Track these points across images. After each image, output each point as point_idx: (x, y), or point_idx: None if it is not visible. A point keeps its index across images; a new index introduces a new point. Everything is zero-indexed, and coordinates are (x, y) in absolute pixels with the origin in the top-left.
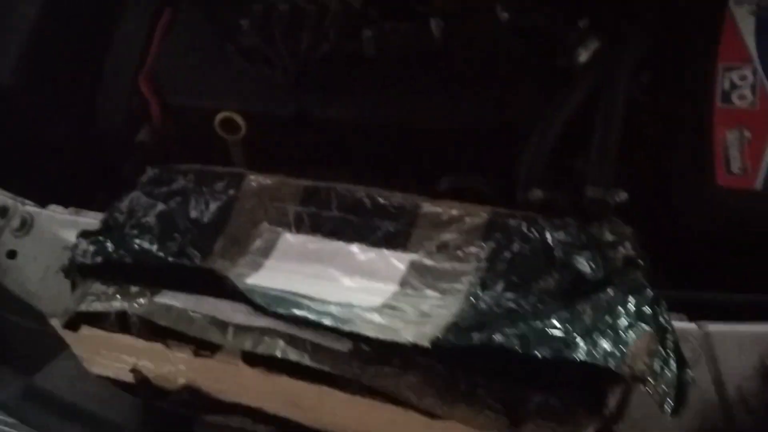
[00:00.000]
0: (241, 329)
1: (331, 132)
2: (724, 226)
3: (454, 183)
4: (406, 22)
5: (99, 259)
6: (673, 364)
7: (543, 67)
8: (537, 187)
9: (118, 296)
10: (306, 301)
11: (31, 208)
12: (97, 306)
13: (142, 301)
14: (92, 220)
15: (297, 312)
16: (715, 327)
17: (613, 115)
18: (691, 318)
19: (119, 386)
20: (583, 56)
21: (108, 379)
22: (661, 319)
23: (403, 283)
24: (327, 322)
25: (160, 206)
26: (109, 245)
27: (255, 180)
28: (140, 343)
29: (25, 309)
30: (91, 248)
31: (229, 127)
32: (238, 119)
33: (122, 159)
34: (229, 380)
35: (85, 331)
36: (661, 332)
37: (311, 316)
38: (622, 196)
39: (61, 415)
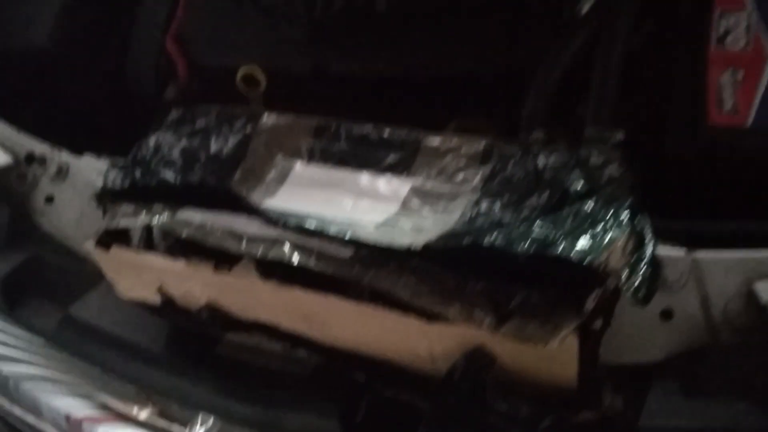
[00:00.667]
0: (255, 239)
1: (346, 84)
2: (716, 162)
3: (460, 125)
4: None
5: (127, 182)
6: (647, 261)
7: (548, 17)
8: (539, 128)
9: (143, 213)
10: (313, 220)
11: (67, 156)
12: (124, 222)
13: (164, 216)
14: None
15: (304, 224)
16: (703, 253)
17: (611, 61)
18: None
19: (148, 309)
20: (586, 7)
21: (137, 303)
22: (638, 224)
23: (404, 205)
24: (332, 230)
25: (184, 142)
26: (137, 173)
27: (271, 118)
28: (164, 262)
29: (62, 249)
30: (120, 175)
31: (250, 83)
32: (259, 74)
33: (150, 116)
34: (246, 296)
35: (115, 251)
36: (638, 235)
37: (317, 227)
38: (619, 135)
39: (95, 341)
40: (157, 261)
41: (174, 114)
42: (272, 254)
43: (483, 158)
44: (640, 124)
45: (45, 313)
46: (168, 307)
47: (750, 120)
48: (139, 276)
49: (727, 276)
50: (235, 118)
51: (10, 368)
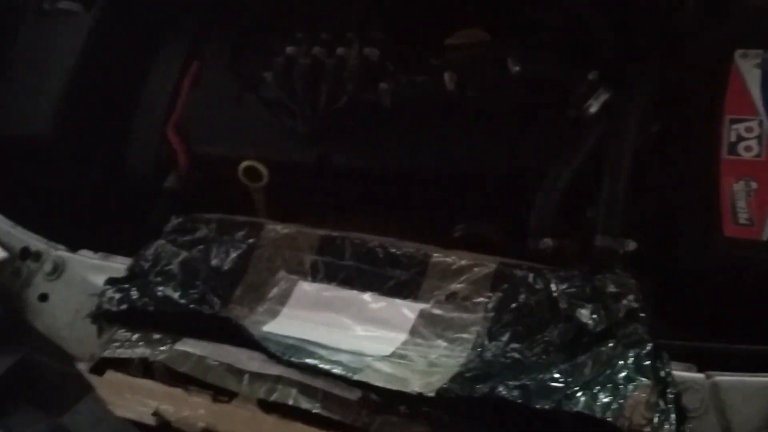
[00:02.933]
0: (256, 377)
1: (349, 179)
2: (731, 277)
3: (466, 230)
4: (421, 74)
5: (124, 306)
6: (672, 417)
7: (554, 117)
8: (547, 236)
9: (141, 343)
10: (319, 350)
11: (63, 252)
12: (121, 352)
13: (163, 348)
14: (120, 265)
15: (309, 361)
16: (723, 378)
17: (621, 164)
18: (700, 368)
19: (141, 429)
20: (594, 107)
21: (131, 421)
22: (661, 372)
23: (413, 332)
24: (337, 371)
25: (184, 254)
26: (134, 293)
27: (273, 229)
28: (161, 388)
29: (55, 351)
30: (117, 295)
31: (252, 175)
32: (261, 168)
33: (150, 205)
34: (246, 426)
35: (110, 375)
36: (661, 385)
37: (322, 365)
38: (631, 245)
39: None
40: (152, 387)
41: (174, 222)
42: (276, 396)
43: (494, 282)
44: (652, 234)
45: (35, 420)
46: (163, 430)
47: (766, 233)
48: (134, 398)
49: (749, 403)
50: (236, 229)
51: None
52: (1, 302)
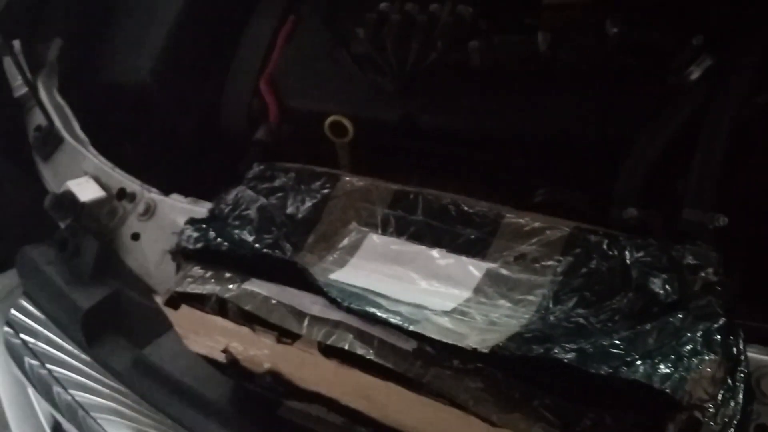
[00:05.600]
0: (316, 320)
1: (434, 139)
2: None
3: (548, 196)
4: (514, 34)
5: (200, 244)
6: (740, 396)
7: (653, 84)
8: (632, 205)
9: (212, 280)
10: (380, 300)
11: (155, 195)
12: (193, 288)
13: (232, 286)
14: (206, 209)
15: (368, 309)
16: None
17: (717, 134)
18: None
19: (212, 364)
20: (696, 74)
21: (203, 357)
22: (733, 349)
23: (477, 290)
24: (394, 320)
25: (262, 200)
26: (211, 233)
27: (349, 181)
28: (231, 326)
29: (143, 287)
30: (195, 234)
31: (338, 131)
32: (347, 123)
33: (241, 155)
34: (307, 369)
35: (184, 310)
36: (731, 362)
37: (380, 314)
38: (722, 220)
39: (163, 387)
40: (224, 324)
41: (255, 169)
42: (333, 340)
43: (566, 246)
44: (748, 211)
45: (120, 351)
46: (233, 368)
47: None
48: (207, 334)
49: None
50: (313, 179)
51: (81, 397)
52: (98, 238)
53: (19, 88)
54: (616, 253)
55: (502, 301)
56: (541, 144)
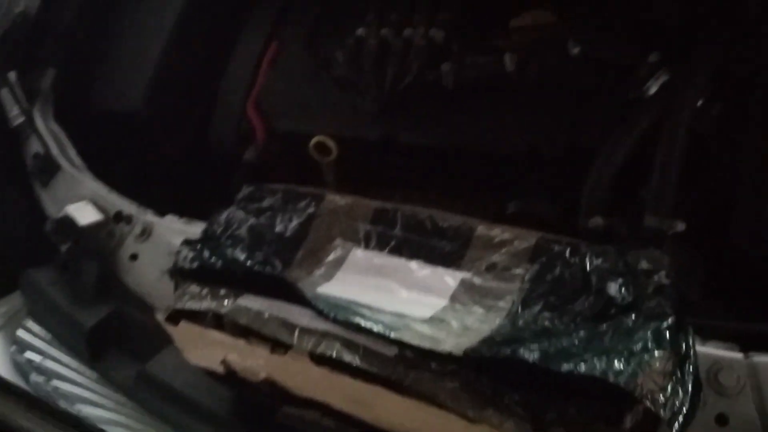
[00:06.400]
0: (305, 331)
1: (413, 155)
2: None
3: (520, 207)
4: (483, 55)
5: (195, 264)
6: (688, 386)
7: (613, 98)
8: (598, 215)
9: (208, 297)
10: (364, 310)
11: (151, 217)
12: (191, 305)
13: (226, 302)
14: (200, 229)
15: (352, 319)
16: (761, 358)
17: (673, 144)
18: (744, 349)
19: (211, 376)
20: (654, 89)
21: (203, 369)
22: (682, 344)
23: (453, 299)
24: (377, 328)
25: (252, 220)
26: (206, 253)
27: (332, 200)
28: (228, 339)
29: (142, 305)
30: (191, 254)
31: (322, 150)
32: (330, 143)
33: (230, 175)
34: (300, 376)
35: (184, 325)
36: (679, 357)
37: (363, 323)
38: (680, 226)
39: (166, 398)
40: (221, 338)
41: (245, 191)
42: (321, 349)
43: (533, 255)
44: (703, 215)
45: (123, 365)
46: (231, 378)
47: None
48: (206, 348)
49: None
50: (299, 199)
51: (88, 411)
52: (98, 260)
53: (16, 118)
54: (577, 260)
55: (475, 308)
56: (512, 157)
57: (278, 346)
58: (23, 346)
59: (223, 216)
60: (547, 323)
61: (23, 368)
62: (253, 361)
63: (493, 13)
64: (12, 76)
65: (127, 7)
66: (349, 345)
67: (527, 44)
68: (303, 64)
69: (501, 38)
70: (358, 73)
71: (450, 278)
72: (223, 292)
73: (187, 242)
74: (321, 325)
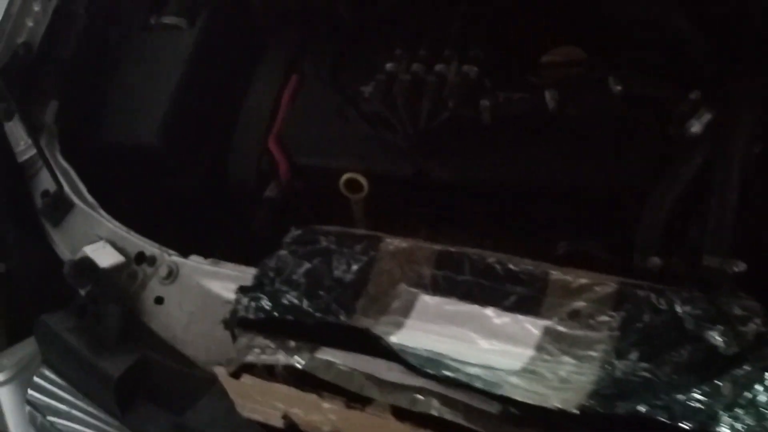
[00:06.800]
0: (397, 387)
1: (446, 192)
2: None
3: (571, 248)
4: (519, 92)
5: (260, 314)
6: None
7: (655, 135)
8: (654, 254)
9: (281, 351)
10: (451, 362)
11: (176, 258)
12: (264, 359)
13: (304, 356)
14: (230, 271)
15: (449, 374)
16: None
17: (729, 184)
18: None
19: (267, 430)
20: (696, 127)
21: (256, 422)
22: None
23: (539, 348)
24: (478, 384)
25: (306, 265)
26: (266, 302)
27: (391, 243)
28: (294, 393)
29: (170, 351)
30: (252, 304)
31: (353, 187)
32: (362, 180)
33: (250, 212)
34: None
35: (246, 379)
36: None
37: (462, 378)
38: (741, 266)
39: None
40: (286, 392)
41: (294, 233)
42: (419, 407)
43: (616, 301)
44: (761, 254)
45: (156, 417)
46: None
47: None
48: (266, 402)
49: None
50: (354, 241)
51: None
52: (120, 303)
53: (23, 153)
54: (665, 306)
55: (565, 358)
56: (554, 195)
57: (355, 400)
58: (39, 395)
59: (274, 260)
60: (647, 374)
61: (39, 419)
62: (321, 416)
63: (523, 49)
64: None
65: (135, 40)
66: (448, 402)
67: (563, 81)
68: (327, 98)
69: (533, 74)
70: (390, 109)
71: (532, 326)
72: (293, 344)
73: (244, 290)
74: (413, 380)
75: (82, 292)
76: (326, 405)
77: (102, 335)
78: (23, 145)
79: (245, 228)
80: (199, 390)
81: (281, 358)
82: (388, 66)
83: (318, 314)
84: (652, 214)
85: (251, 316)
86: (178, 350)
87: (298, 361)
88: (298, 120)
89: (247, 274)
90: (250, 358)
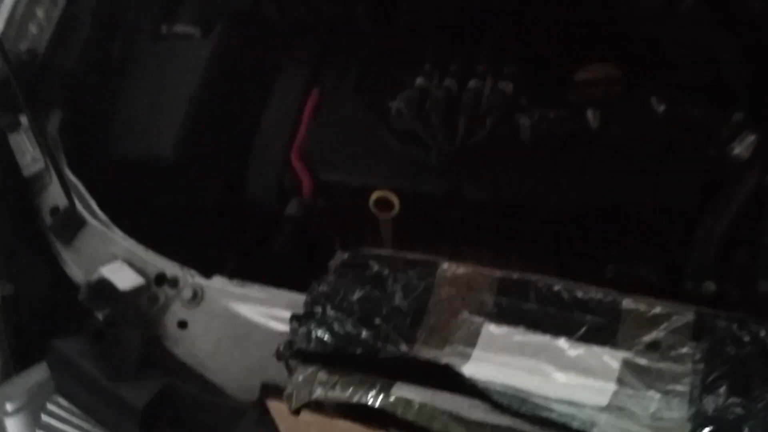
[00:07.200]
0: (485, 427)
1: (480, 212)
2: None
3: (619, 271)
4: (556, 110)
5: (317, 345)
6: None
7: (698, 157)
8: (709, 279)
9: (352, 387)
10: (535, 399)
11: (200, 279)
12: (335, 396)
13: (378, 393)
14: (261, 294)
15: (543, 413)
16: None
17: None
18: None
19: None
20: (738, 149)
21: None
22: None
23: (620, 382)
24: (576, 425)
25: (358, 291)
26: (322, 332)
27: (449, 269)
28: (358, 429)
29: (198, 379)
30: (314, 334)
31: (383, 206)
32: (393, 198)
33: (268, 230)
34: None
35: (305, 416)
36: None
37: (555, 418)
38: None
39: None
40: (349, 428)
41: (342, 257)
42: None
43: (695, 331)
44: None
45: None
46: None
47: None
48: None
49: None
50: (408, 266)
51: None
52: (140, 328)
53: (29, 167)
54: (749, 337)
55: (650, 393)
56: (595, 216)
57: None
58: (53, 422)
59: (324, 286)
60: (740, 410)
61: None
62: None
63: (556, 66)
64: (24, 119)
65: (145, 48)
66: None
67: (603, 99)
68: (351, 113)
69: (569, 92)
70: (423, 125)
71: (610, 358)
72: (362, 379)
73: (296, 318)
74: (499, 419)
75: (100, 316)
76: None
77: (121, 361)
78: (29, 159)
79: (262, 247)
80: (229, 420)
81: (353, 395)
82: (419, 81)
83: (379, 344)
84: (705, 239)
85: (308, 346)
86: (204, 377)
87: (374, 399)
88: (322, 135)
89: (278, 297)
90: (319, 393)
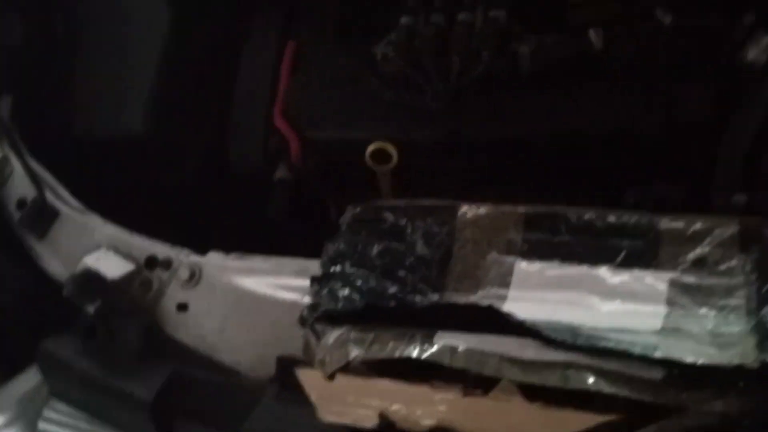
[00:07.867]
0: (541, 366)
1: (485, 152)
2: None
3: (641, 194)
4: (556, 34)
5: (347, 304)
6: None
7: (710, 66)
8: (737, 191)
9: (392, 342)
10: (587, 331)
11: (195, 257)
12: (375, 353)
13: (422, 345)
14: (264, 264)
15: (601, 344)
16: None
17: None
18: None
19: None
20: (753, 53)
21: (341, 426)
22: None
23: (671, 303)
24: (637, 350)
25: (377, 245)
26: (348, 290)
27: (468, 211)
28: (399, 387)
29: (206, 362)
30: (340, 293)
31: (380, 158)
32: (390, 149)
33: (258, 198)
34: (501, 417)
35: (340, 380)
36: None
37: (617, 347)
38: None
39: None
40: (389, 386)
41: (352, 212)
42: (572, 384)
43: (742, 242)
44: None
45: None
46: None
47: None
48: (358, 401)
49: None
50: (425, 213)
51: None
52: (136, 317)
53: None
54: None
55: (704, 310)
56: (609, 142)
57: (476, 386)
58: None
59: (338, 243)
60: None
61: None
62: (427, 408)
63: None
64: None
65: (99, 16)
66: (604, 374)
67: (604, 17)
68: (333, 65)
69: (575, 13)
70: (414, 68)
71: (654, 280)
72: (400, 333)
73: (317, 280)
74: (555, 355)
75: (90, 310)
76: (438, 396)
77: (120, 355)
78: None
79: (255, 217)
80: (248, 400)
81: (394, 350)
82: (404, 20)
83: (408, 296)
84: (731, 150)
85: (336, 306)
86: (212, 359)
87: (418, 351)
88: (304, 91)
89: (282, 265)
90: (356, 353)
